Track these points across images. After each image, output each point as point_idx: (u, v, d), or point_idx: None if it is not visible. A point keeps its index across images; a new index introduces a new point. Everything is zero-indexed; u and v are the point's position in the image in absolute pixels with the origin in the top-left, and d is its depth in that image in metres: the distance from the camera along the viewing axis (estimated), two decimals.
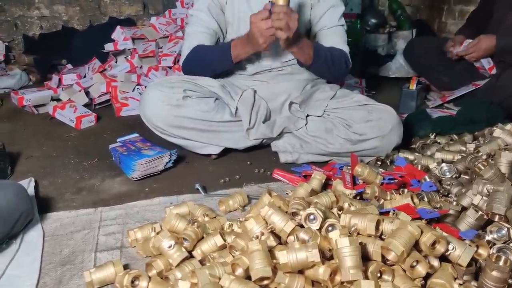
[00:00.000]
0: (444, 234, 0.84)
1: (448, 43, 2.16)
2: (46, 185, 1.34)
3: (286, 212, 0.95)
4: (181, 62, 1.56)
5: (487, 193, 0.95)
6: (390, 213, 0.92)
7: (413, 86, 2.10)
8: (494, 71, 2.00)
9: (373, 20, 3.24)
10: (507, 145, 1.20)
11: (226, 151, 1.52)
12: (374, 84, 2.55)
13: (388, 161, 1.45)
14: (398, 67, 2.72)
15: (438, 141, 1.58)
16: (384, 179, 1.21)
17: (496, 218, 0.90)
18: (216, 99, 1.47)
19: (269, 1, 1.27)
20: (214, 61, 1.47)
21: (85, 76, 2.35)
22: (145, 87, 2.03)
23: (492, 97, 1.78)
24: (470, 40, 2.00)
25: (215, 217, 1.07)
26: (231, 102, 1.49)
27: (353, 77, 2.49)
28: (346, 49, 1.53)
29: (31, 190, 1.24)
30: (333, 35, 1.53)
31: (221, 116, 1.45)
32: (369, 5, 3.41)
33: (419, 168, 1.30)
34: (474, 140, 1.53)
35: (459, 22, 3.22)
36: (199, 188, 1.27)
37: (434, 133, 1.60)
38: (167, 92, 1.39)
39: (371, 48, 3.12)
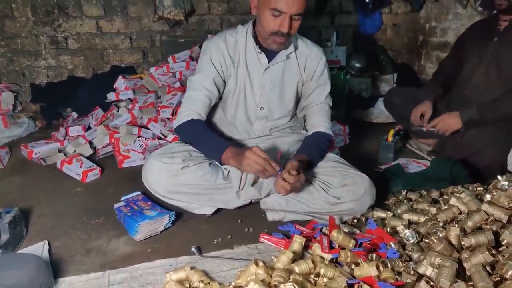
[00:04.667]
0: None
1: (415, 114, 2.26)
2: (58, 247, 1.51)
3: (269, 284, 1.13)
4: (175, 125, 1.67)
5: (437, 266, 1.13)
6: (356, 286, 1.09)
7: (390, 139, 2.31)
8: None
9: (357, 65, 3.47)
10: (460, 213, 1.39)
11: (219, 209, 1.70)
12: (358, 130, 2.75)
13: (363, 219, 1.63)
14: (379, 112, 2.94)
15: (410, 197, 1.77)
16: (357, 241, 1.40)
17: None
18: (210, 163, 1.66)
19: (280, 168, 1.44)
20: (204, 149, 1.61)
21: (89, 128, 2.54)
22: (148, 152, 2.22)
23: (458, 154, 1.98)
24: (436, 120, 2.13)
25: (209, 283, 1.24)
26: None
27: (337, 123, 2.69)
28: (328, 125, 1.75)
29: (45, 255, 1.41)
30: (319, 112, 1.75)
31: (214, 179, 1.63)
32: (353, 50, 3.64)
33: (388, 230, 1.48)
34: (440, 196, 1.72)
35: (436, 66, 3.47)
36: (195, 251, 1.44)
37: (406, 190, 1.80)
38: (168, 162, 1.57)
39: (355, 91, 3.35)
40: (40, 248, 1.44)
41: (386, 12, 3.74)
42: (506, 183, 1.38)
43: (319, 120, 1.74)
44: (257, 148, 1.45)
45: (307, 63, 1.73)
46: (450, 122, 2.06)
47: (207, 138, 1.59)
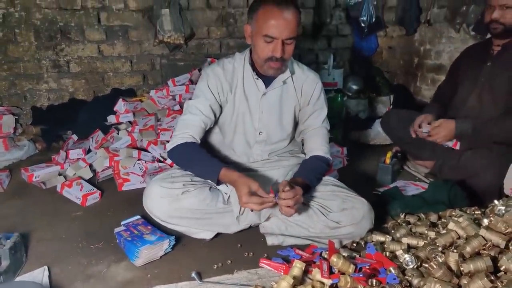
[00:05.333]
0: None
1: (415, 122, 2.28)
2: (58, 273, 1.50)
3: None
4: (169, 147, 1.66)
5: None
6: None
7: (388, 161, 2.33)
8: (458, 146, 2.20)
9: (354, 87, 3.52)
10: (459, 237, 1.40)
11: (219, 233, 1.70)
12: (355, 151, 2.78)
13: (362, 243, 1.64)
14: (377, 134, 2.97)
15: (409, 220, 1.78)
16: (356, 266, 1.41)
17: None
18: (211, 187, 1.67)
19: (275, 194, 1.47)
20: (199, 169, 1.61)
21: (89, 150, 2.55)
22: (148, 175, 2.24)
23: (456, 176, 2.01)
24: (435, 123, 2.14)
25: None
26: (224, 188, 1.68)
27: (335, 145, 2.72)
28: (326, 148, 1.77)
29: (45, 281, 1.41)
30: (316, 136, 1.77)
31: (215, 203, 1.64)
32: (350, 72, 3.71)
33: (387, 255, 1.49)
34: (439, 219, 1.73)
35: (431, 88, 3.54)
36: (195, 276, 1.44)
37: (404, 213, 1.82)
38: (168, 186, 1.59)
39: (352, 113, 3.39)
40: (40, 275, 1.44)
41: (381, 35, 3.82)
42: (503, 207, 1.39)
43: (317, 144, 1.76)
44: (247, 194, 1.44)
45: (304, 88, 1.77)
46: (446, 125, 2.07)
47: (202, 159, 1.60)
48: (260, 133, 1.76)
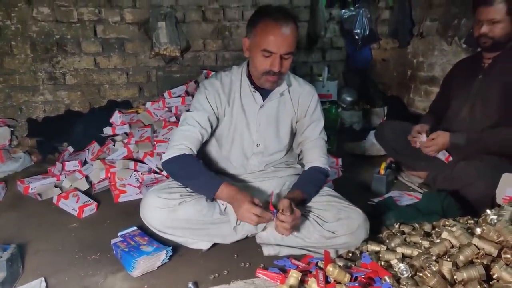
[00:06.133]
0: None
1: (414, 130, 2.31)
2: (55, 284, 1.50)
3: None
4: (165, 157, 1.65)
5: None
6: None
7: (382, 171, 2.36)
8: (450, 159, 2.24)
9: (348, 98, 3.57)
10: (452, 246, 1.42)
11: (215, 243, 1.71)
12: (350, 162, 2.81)
13: (358, 252, 1.66)
14: (371, 145, 3.00)
15: (403, 229, 1.80)
16: (352, 275, 1.42)
17: None
18: (207, 198, 1.68)
19: (274, 211, 1.50)
20: (196, 185, 1.61)
21: (85, 162, 2.56)
22: (144, 187, 2.25)
23: (449, 186, 2.03)
24: (431, 136, 2.19)
25: None
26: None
27: (330, 156, 2.74)
28: (324, 159, 1.79)
29: None
30: (314, 148, 1.80)
31: (211, 214, 1.65)
32: (344, 84, 3.76)
33: (382, 264, 1.51)
34: (433, 229, 1.76)
35: (425, 99, 3.59)
36: (192, 287, 1.45)
37: (399, 223, 1.84)
38: (165, 197, 1.60)
39: (346, 124, 3.43)
40: (37, 286, 1.44)
41: (375, 48, 3.89)
42: (495, 217, 1.42)
43: (315, 155, 1.79)
44: (248, 206, 1.47)
45: (300, 100, 1.80)
46: (442, 137, 2.11)
47: (200, 174, 1.61)
48: (258, 145, 1.78)
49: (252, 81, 1.72)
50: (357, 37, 3.62)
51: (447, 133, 2.13)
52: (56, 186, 2.34)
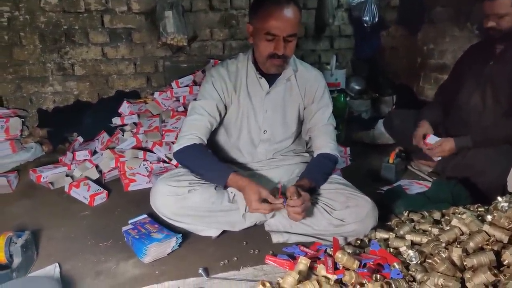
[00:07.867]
0: None
1: (418, 135, 2.26)
2: (68, 270, 1.53)
3: None
4: (175, 148, 1.67)
5: (441, 286, 1.15)
6: None
7: (392, 160, 2.35)
8: None
9: (357, 87, 3.54)
10: (462, 234, 1.42)
11: (225, 231, 1.73)
12: (358, 151, 2.80)
13: (366, 240, 1.66)
14: (380, 134, 2.98)
15: (412, 217, 1.80)
16: (361, 262, 1.43)
17: None
18: (216, 186, 1.70)
19: (284, 199, 1.51)
20: (207, 173, 1.63)
21: (95, 152, 2.59)
22: (153, 175, 2.27)
23: (460, 174, 2.02)
24: (437, 139, 2.17)
25: None
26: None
27: (338, 145, 2.73)
28: (333, 145, 1.78)
29: (57, 277, 1.44)
30: (323, 134, 1.79)
31: (220, 202, 1.67)
32: (352, 72, 3.73)
33: (391, 251, 1.51)
34: (442, 217, 1.75)
35: (434, 87, 3.53)
36: (202, 273, 1.47)
37: (408, 211, 1.83)
38: (175, 185, 1.61)
39: (355, 113, 3.41)
40: (51, 271, 1.47)
41: (384, 35, 3.84)
42: (506, 204, 1.41)
43: (324, 142, 1.78)
44: (258, 201, 1.49)
45: (307, 86, 1.79)
46: (447, 145, 2.10)
47: (211, 163, 1.63)
48: (265, 132, 1.79)
49: (258, 68, 1.72)
50: (366, 25, 3.57)
51: (451, 139, 2.11)
52: (67, 175, 2.37)
